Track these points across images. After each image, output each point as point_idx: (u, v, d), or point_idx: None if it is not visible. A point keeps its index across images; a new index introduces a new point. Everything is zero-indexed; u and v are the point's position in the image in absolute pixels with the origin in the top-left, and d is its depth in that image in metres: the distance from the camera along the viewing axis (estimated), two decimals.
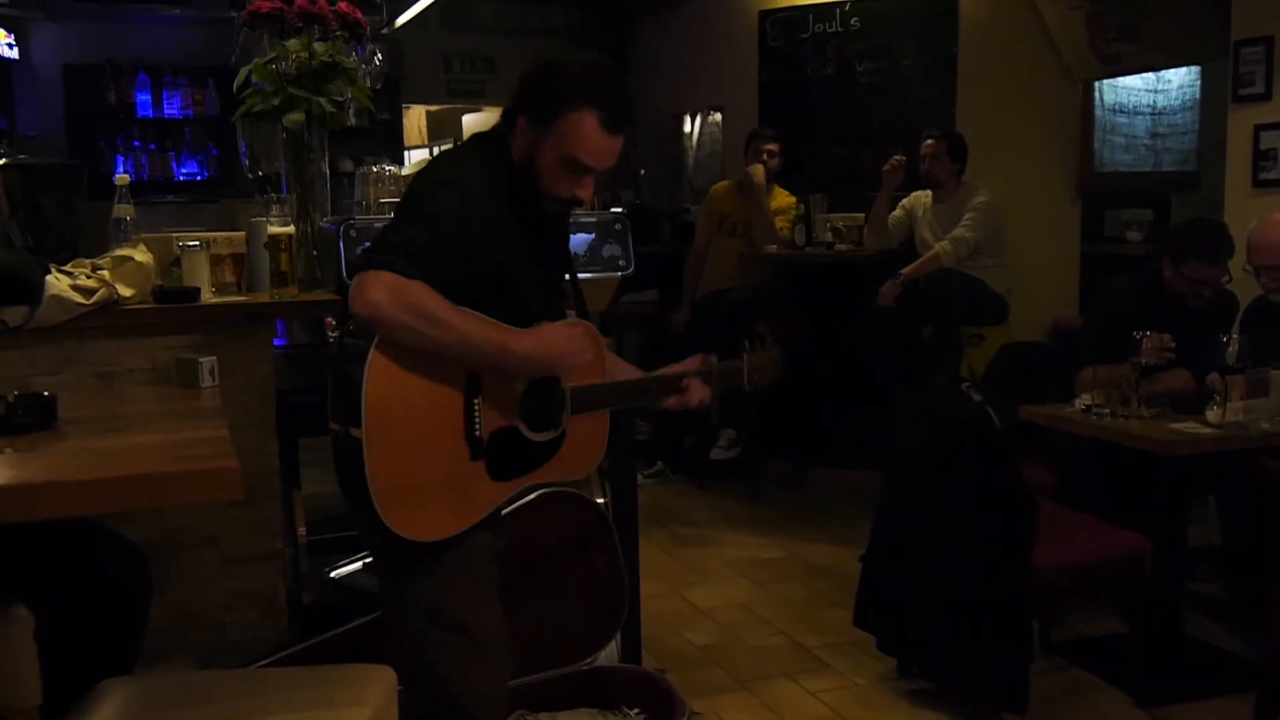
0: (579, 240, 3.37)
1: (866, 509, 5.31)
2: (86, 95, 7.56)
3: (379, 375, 1.94)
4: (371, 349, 1.93)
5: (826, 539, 5.06)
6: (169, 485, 1.30)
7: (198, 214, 7.12)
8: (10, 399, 1.54)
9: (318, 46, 3.17)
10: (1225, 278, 3.77)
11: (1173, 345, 3.54)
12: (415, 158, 9.83)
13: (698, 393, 2.38)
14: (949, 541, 3.17)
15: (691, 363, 2.43)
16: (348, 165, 7.50)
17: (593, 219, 3.43)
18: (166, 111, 7.79)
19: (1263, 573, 3.54)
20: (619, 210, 3.57)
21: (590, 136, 2.06)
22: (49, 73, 7.53)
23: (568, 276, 2.39)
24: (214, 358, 2.07)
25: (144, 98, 7.74)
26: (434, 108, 9.72)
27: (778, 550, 4.96)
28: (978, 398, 3.25)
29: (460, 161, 2.30)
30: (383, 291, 1.88)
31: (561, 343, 2.11)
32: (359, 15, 3.23)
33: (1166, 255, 3.82)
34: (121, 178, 2.94)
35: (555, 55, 2.18)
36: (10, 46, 7.11)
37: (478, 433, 2.07)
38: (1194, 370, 3.65)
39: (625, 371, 2.41)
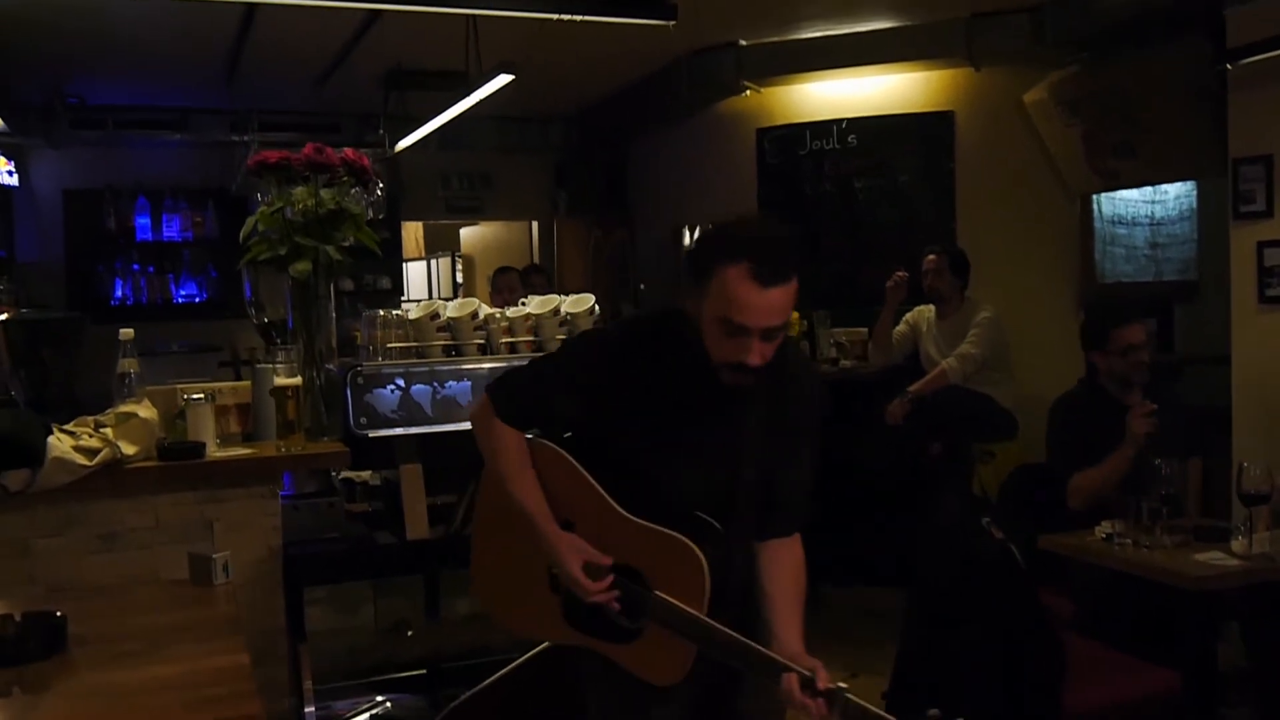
0: None
1: (879, 630, 5.20)
2: (86, 220, 7.60)
3: (488, 482, 2.30)
4: None
5: (843, 665, 4.90)
6: None
7: (200, 364, 7.10)
8: (18, 620, 1.46)
9: (324, 194, 3.16)
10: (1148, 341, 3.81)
11: (1154, 406, 3.63)
12: (413, 270, 9.88)
13: (797, 697, 1.90)
14: (977, 684, 3.07)
15: (816, 668, 1.94)
16: (346, 284, 7.51)
17: None
18: (165, 234, 7.83)
19: None
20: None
21: (739, 291, 1.90)
22: (49, 198, 7.57)
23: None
24: (228, 552, 2.00)
25: (143, 221, 7.78)
26: (436, 223, 9.79)
27: None
28: (999, 535, 3.18)
29: (626, 323, 2.40)
30: (480, 418, 2.19)
31: (571, 561, 2.07)
32: (365, 162, 3.22)
33: (1089, 349, 3.89)
34: (126, 332, 2.89)
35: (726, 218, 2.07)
36: (10, 173, 7.15)
37: (553, 569, 2.14)
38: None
39: (778, 606, 2.11)
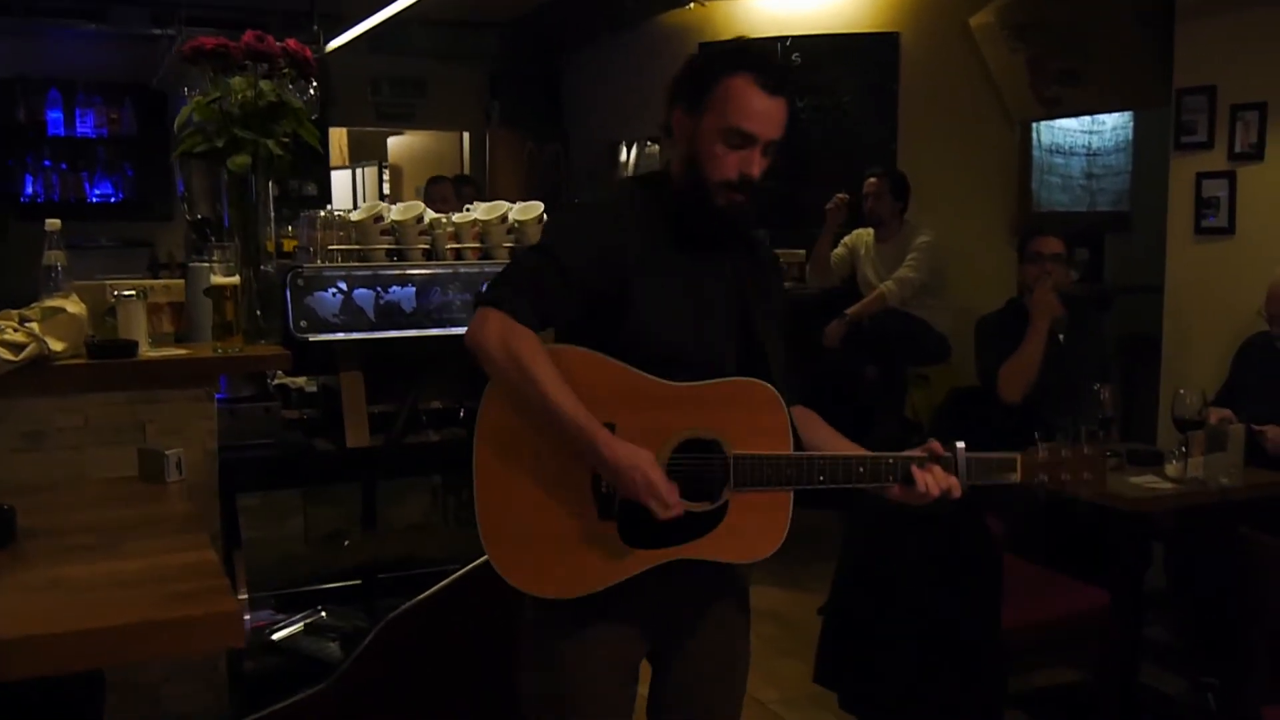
0: None
1: (814, 550, 5.27)
2: None
3: (495, 405, 1.88)
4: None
5: (773, 582, 4.98)
6: (164, 636, 1.13)
7: (128, 263, 6.85)
8: None
9: (264, 85, 3.01)
10: (1066, 259, 3.96)
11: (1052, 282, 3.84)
12: (337, 178, 9.61)
13: (936, 481, 1.94)
14: (919, 601, 3.11)
15: (925, 448, 2.00)
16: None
17: None
18: (79, 130, 7.50)
19: (1216, 625, 3.57)
20: None
21: (747, 98, 1.89)
22: None
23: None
24: (180, 450, 1.91)
25: (55, 115, 7.43)
26: (361, 130, 9.53)
27: None
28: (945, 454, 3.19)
29: (602, 193, 2.14)
30: (493, 332, 1.83)
31: (642, 480, 1.82)
32: (308, 53, 3.07)
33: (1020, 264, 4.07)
34: (53, 223, 2.74)
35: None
36: None
37: (605, 489, 1.88)
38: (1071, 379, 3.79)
39: (832, 444, 2.06)
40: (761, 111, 1.90)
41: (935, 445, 1.97)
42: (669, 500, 1.83)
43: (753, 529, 1.94)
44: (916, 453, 1.97)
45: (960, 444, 1.97)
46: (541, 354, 1.83)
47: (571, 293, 1.89)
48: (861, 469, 1.94)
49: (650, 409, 1.89)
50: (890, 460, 1.95)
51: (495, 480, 1.89)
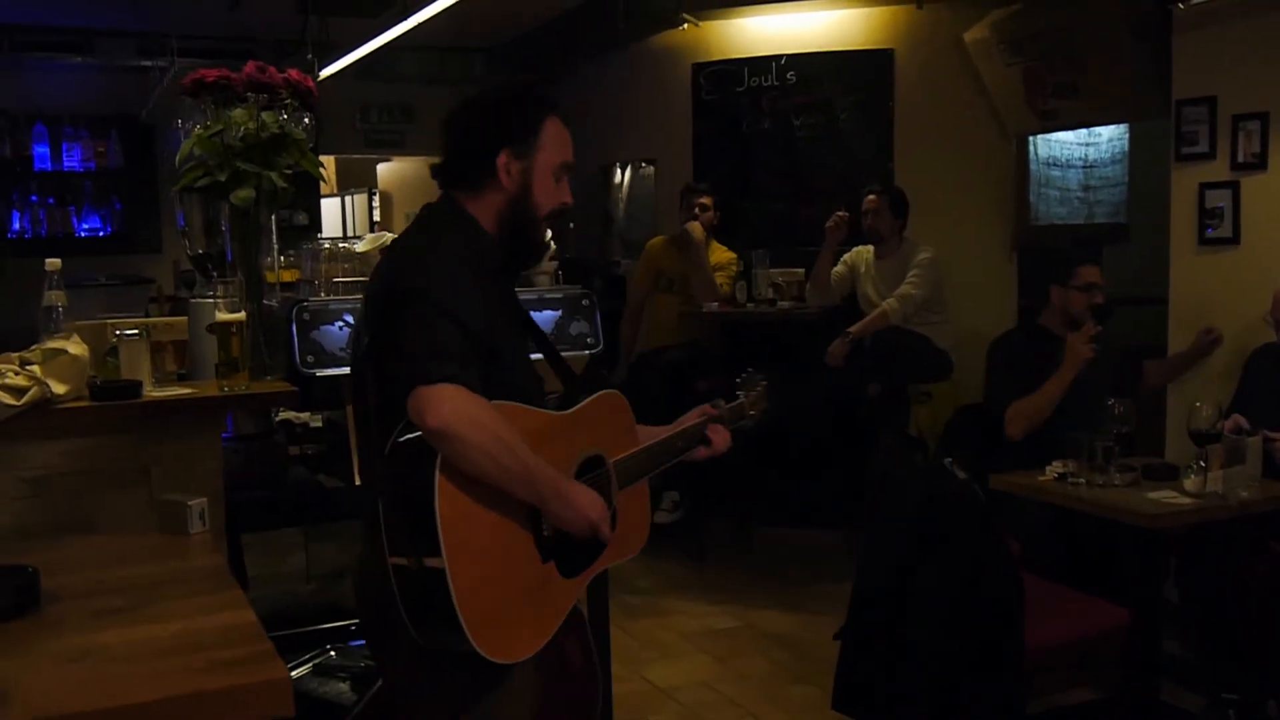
0: (545, 318, 3.22)
1: (818, 571, 5.23)
2: None
3: (449, 492, 1.77)
4: (436, 467, 1.75)
5: (779, 605, 4.94)
6: (211, 709, 1.05)
7: (123, 299, 6.80)
8: None
9: (266, 117, 2.96)
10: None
11: (1098, 330, 3.83)
12: (326, 206, 9.55)
13: (723, 438, 2.38)
14: (943, 623, 3.06)
15: (699, 413, 2.40)
16: None
17: (559, 295, 3.28)
18: (66, 164, 7.45)
19: (1238, 640, 3.54)
20: (585, 290, 3.41)
21: (565, 135, 2.12)
22: None
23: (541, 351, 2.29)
24: (204, 499, 1.84)
25: (41, 150, 7.39)
26: (349, 157, 9.48)
27: (731, 619, 4.83)
28: (962, 475, 3.16)
29: (435, 237, 2.08)
30: (461, 410, 1.76)
31: (598, 514, 1.97)
32: (310, 83, 3.03)
33: (1052, 284, 4.02)
34: (53, 262, 2.67)
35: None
36: None
37: (546, 533, 1.94)
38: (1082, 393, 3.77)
39: (650, 433, 2.30)
40: (571, 146, 2.14)
41: (707, 408, 2.40)
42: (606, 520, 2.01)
43: (634, 522, 2.19)
44: (694, 417, 2.36)
45: (721, 400, 2.44)
46: (506, 420, 1.84)
47: (478, 353, 1.89)
48: (680, 444, 2.30)
49: (554, 442, 1.99)
50: (691, 430, 2.33)
51: (469, 569, 1.78)
